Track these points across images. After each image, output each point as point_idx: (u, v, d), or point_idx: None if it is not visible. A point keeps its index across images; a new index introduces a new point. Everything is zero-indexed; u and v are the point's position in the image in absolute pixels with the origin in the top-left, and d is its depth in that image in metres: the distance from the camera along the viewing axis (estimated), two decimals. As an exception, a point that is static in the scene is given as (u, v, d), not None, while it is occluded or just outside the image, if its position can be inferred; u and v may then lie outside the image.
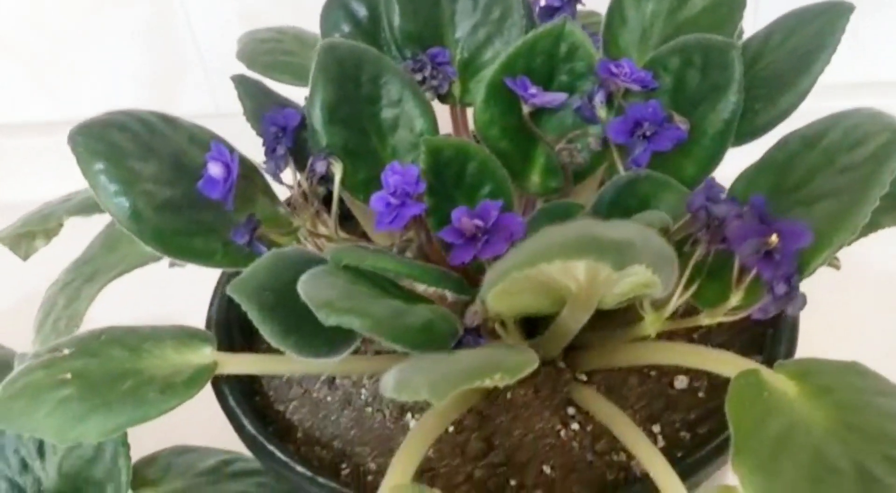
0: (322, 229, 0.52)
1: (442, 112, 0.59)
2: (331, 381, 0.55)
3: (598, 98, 0.53)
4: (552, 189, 0.55)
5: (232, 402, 0.52)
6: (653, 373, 0.52)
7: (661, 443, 0.49)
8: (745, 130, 0.50)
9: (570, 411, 0.50)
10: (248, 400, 0.54)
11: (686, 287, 0.44)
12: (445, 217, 0.49)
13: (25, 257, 0.60)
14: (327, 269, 0.45)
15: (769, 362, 0.44)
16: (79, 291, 0.54)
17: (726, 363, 0.43)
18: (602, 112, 0.53)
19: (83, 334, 0.50)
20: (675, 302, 0.44)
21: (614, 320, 0.49)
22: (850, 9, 0.47)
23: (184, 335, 0.50)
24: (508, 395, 0.51)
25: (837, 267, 0.45)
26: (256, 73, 0.61)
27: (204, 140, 0.51)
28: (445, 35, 0.58)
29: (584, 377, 0.52)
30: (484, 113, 0.54)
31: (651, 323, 0.45)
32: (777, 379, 0.41)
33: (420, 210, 0.48)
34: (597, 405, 0.49)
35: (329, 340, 0.45)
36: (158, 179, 0.48)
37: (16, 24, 1.04)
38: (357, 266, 0.45)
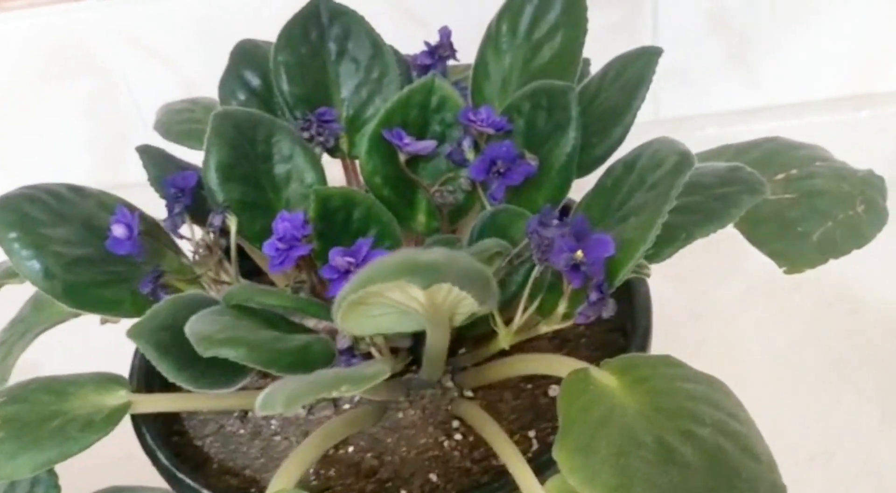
0: (225, 277, 0.62)
1: (337, 166, 0.69)
2: (243, 415, 0.64)
3: (466, 143, 0.62)
4: (436, 228, 0.64)
5: (149, 440, 0.61)
6: (528, 386, 0.61)
7: (535, 446, 0.58)
8: (586, 162, 0.59)
9: (455, 424, 0.59)
10: (167, 439, 0.63)
11: (529, 302, 0.54)
12: (332, 259, 0.59)
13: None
14: (217, 309, 0.55)
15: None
16: (11, 348, 0.64)
17: (563, 365, 0.52)
18: (470, 155, 0.62)
19: (13, 385, 0.59)
20: (521, 316, 0.54)
21: (482, 339, 0.59)
22: (659, 52, 0.57)
23: (102, 380, 0.59)
24: (400, 415, 0.61)
25: (647, 275, 0.55)
26: (172, 142, 0.73)
27: (111, 205, 0.61)
28: (333, 96, 0.67)
29: (470, 394, 0.62)
30: (368, 164, 0.63)
31: (503, 338, 0.55)
32: (602, 375, 0.50)
33: (307, 251, 0.58)
34: (475, 418, 0.59)
35: (223, 373, 0.54)
36: (69, 242, 0.58)
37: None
38: (245, 305, 0.55)
